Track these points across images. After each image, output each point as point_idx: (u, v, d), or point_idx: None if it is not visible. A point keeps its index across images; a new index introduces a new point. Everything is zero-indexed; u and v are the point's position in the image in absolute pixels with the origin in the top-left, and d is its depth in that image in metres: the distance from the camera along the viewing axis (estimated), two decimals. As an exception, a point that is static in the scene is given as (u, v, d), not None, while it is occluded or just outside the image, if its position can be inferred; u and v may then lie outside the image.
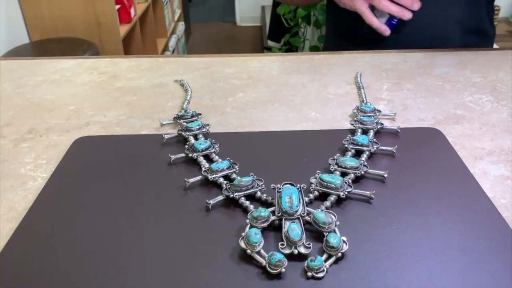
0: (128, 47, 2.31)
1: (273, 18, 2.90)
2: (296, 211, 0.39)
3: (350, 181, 0.44)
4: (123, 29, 2.12)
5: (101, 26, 1.99)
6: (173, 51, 3.08)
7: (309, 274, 0.34)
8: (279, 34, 2.90)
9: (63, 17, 1.96)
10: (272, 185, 0.42)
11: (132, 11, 2.24)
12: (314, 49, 2.60)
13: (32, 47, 1.86)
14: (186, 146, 0.50)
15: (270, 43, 3.12)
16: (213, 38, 4.07)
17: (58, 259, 0.36)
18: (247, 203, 0.41)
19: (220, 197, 0.42)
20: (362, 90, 0.64)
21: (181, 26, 3.59)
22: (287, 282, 0.34)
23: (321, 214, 0.38)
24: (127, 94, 0.66)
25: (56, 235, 0.39)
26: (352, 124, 0.54)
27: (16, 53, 1.74)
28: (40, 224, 0.40)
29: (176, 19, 3.41)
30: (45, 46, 1.84)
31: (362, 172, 0.45)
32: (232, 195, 0.42)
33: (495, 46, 0.96)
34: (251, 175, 0.44)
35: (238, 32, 4.21)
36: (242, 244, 0.36)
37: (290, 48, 2.73)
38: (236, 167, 0.46)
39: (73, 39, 1.90)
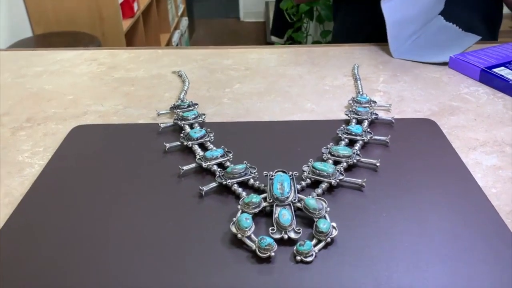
0: (131, 41, 2.32)
1: (276, 13, 2.90)
2: (287, 198, 0.39)
3: (342, 169, 0.44)
4: (126, 23, 2.12)
5: (104, 20, 2.00)
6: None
7: (298, 258, 0.35)
8: (282, 30, 2.90)
9: (66, 11, 1.97)
10: (265, 172, 0.43)
11: (135, 5, 2.25)
12: (316, 44, 2.60)
13: (35, 40, 1.87)
14: (181, 135, 0.50)
15: (273, 38, 3.13)
16: (217, 34, 4.07)
17: (52, 244, 0.37)
18: (240, 190, 0.42)
19: (213, 184, 0.43)
20: (358, 81, 0.65)
21: (185, 22, 3.60)
22: (276, 266, 0.35)
23: (312, 201, 0.39)
24: (125, 85, 0.66)
25: (51, 220, 0.40)
26: (347, 115, 0.54)
27: (19, 46, 1.75)
28: (35, 210, 0.41)
29: (180, 14, 3.41)
30: (48, 39, 1.85)
31: (355, 161, 0.45)
32: (225, 182, 0.42)
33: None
34: (245, 162, 0.44)
35: (242, 28, 4.21)
36: (233, 229, 0.37)
37: (293, 43, 2.73)
38: (230, 155, 0.46)
39: (75, 33, 1.91)
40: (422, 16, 0.78)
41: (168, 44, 2.91)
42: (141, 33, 2.41)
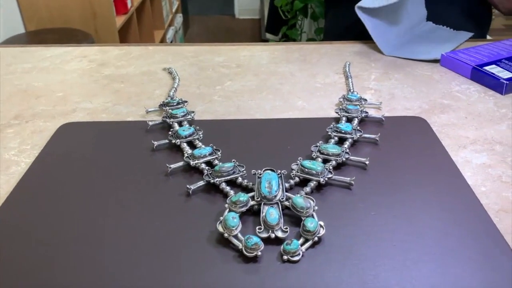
0: (124, 38, 2.31)
1: (271, 10, 2.89)
2: (275, 196, 0.39)
3: (331, 167, 0.44)
4: (120, 20, 2.11)
5: (97, 16, 1.98)
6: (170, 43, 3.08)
7: (285, 257, 0.34)
8: (276, 27, 2.89)
9: (59, 8, 1.95)
10: (253, 171, 0.42)
11: (128, 1, 2.24)
12: (311, 41, 2.59)
13: (27, 37, 1.85)
14: (170, 133, 0.50)
15: (268, 35, 3.12)
16: (211, 31, 4.06)
17: (38, 243, 0.37)
18: (228, 188, 0.42)
19: (201, 183, 0.42)
20: (350, 79, 0.64)
21: (179, 18, 3.59)
22: (263, 265, 0.34)
23: (299, 199, 0.38)
24: (115, 82, 0.66)
25: (37, 219, 0.39)
26: (337, 113, 0.54)
27: (11, 43, 1.74)
28: (21, 208, 0.40)
29: (174, 11, 3.40)
30: (41, 36, 1.83)
31: (344, 159, 0.45)
32: (213, 181, 0.42)
33: (488, 37, 0.96)
34: (233, 161, 0.44)
35: (237, 25, 4.20)
36: (220, 228, 0.36)
37: (287, 40, 2.73)
38: (219, 153, 0.46)
39: (68, 30, 1.90)
40: (404, 20, 0.78)
41: (162, 41, 2.90)
42: (135, 29, 2.40)
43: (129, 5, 2.24)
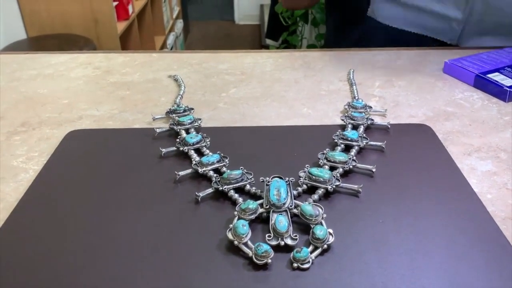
0: (125, 44, 2.32)
1: (271, 16, 2.90)
2: (284, 204, 0.39)
3: (338, 175, 0.44)
4: (121, 26, 2.12)
5: (98, 22, 1.99)
6: (171, 49, 3.09)
7: (295, 265, 0.35)
8: (277, 33, 2.90)
9: (60, 14, 1.96)
10: (261, 178, 0.43)
11: (130, 8, 2.25)
12: (311, 47, 2.61)
13: (29, 43, 1.86)
14: (177, 140, 0.50)
15: (268, 41, 3.13)
16: (211, 36, 4.07)
17: (47, 251, 0.37)
18: (236, 195, 0.42)
19: (210, 190, 0.43)
20: (354, 86, 0.65)
21: (180, 24, 3.60)
22: (273, 273, 0.35)
23: (308, 207, 0.39)
24: (121, 89, 0.66)
25: (46, 226, 0.39)
26: (342, 120, 0.54)
27: (13, 48, 1.74)
28: (30, 215, 0.41)
29: (175, 17, 3.41)
30: (42, 42, 1.84)
31: (351, 167, 0.45)
32: (221, 188, 0.42)
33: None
34: (241, 168, 0.44)
35: (237, 31, 4.22)
36: (230, 236, 0.37)
37: (288, 46, 2.74)
38: (226, 160, 0.46)
39: (70, 36, 1.91)
40: None
41: (163, 46, 2.91)
42: (136, 35, 2.41)
43: (130, 11, 2.25)
